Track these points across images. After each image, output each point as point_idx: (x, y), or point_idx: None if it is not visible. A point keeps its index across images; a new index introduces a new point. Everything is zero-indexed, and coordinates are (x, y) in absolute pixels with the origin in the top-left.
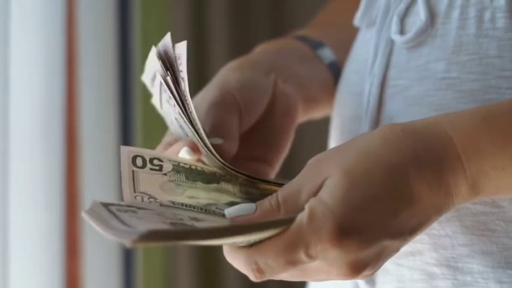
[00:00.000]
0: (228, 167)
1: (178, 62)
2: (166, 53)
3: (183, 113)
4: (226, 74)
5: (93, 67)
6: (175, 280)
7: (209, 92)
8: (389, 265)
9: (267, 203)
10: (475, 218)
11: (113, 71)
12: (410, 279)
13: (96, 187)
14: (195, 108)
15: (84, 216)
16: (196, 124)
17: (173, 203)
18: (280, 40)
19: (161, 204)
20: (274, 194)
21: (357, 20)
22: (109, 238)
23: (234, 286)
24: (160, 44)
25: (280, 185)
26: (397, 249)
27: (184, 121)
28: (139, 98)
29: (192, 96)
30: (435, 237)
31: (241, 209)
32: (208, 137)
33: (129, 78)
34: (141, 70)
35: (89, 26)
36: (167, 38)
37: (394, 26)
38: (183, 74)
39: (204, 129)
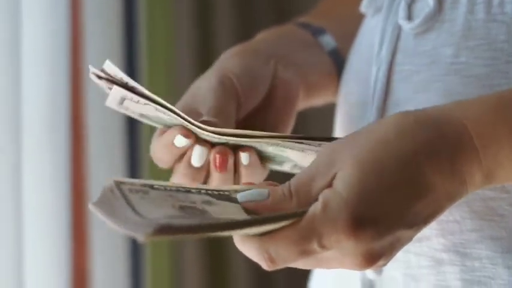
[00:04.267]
0: (223, 133)
1: (118, 77)
2: (110, 74)
3: (156, 103)
4: (226, 60)
5: (98, 58)
6: (183, 270)
7: (207, 77)
8: None
9: (279, 191)
10: (483, 204)
11: (118, 63)
12: (418, 266)
13: (102, 178)
14: (193, 93)
15: (92, 208)
16: (173, 109)
17: (186, 187)
18: (282, 27)
19: (176, 189)
20: (286, 183)
21: (364, 6)
22: (120, 232)
23: (242, 273)
24: (101, 71)
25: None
26: (410, 239)
27: (166, 113)
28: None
29: (191, 82)
30: (443, 222)
31: (254, 194)
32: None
33: (135, 70)
34: (147, 61)
35: (94, 17)
36: (106, 65)
37: (402, 11)
38: (131, 82)
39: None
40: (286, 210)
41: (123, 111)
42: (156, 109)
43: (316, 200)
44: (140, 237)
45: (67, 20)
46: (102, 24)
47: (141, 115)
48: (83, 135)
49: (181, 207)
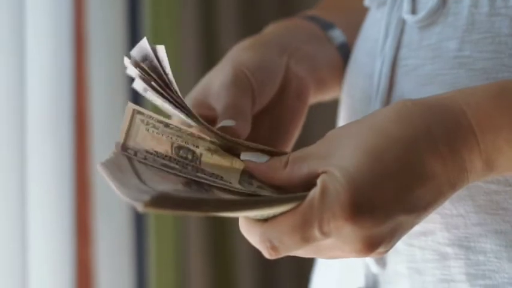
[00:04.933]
0: (220, 135)
1: (163, 64)
2: (145, 58)
3: (179, 109)
4: (239, 53)
5: (102, 55)
6: (187, 266)
7: (221, 71)
8: (400, 245)
9: (278, 159)
10: (487, 197)
11: (122, 62)
12: (422, 259)
13: None
14: (205, 87)
15: (99, 168)
16: (190, 113)
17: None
18: (290, 20)
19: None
20: (289, 153)
21: (367, 0)
22: (121, 197)
23: (246, 269)
24: (136, 51)
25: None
26: (411, 226)
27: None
28: None
29: (199, 79)
30: (447, 216)
31: (255, 156)
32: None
33: None
34: None
35: (98, 14)
36: (144, 43)
37: (406, 5)
38: (170, 76)
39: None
40: (278, 179)
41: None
42: (175, 107)
43: (309, 177)
44: (139, 207)
45: (71, 16)
46: (107, 20)
47: (163, 106)
48: (87, 131)
49: (179, 147)
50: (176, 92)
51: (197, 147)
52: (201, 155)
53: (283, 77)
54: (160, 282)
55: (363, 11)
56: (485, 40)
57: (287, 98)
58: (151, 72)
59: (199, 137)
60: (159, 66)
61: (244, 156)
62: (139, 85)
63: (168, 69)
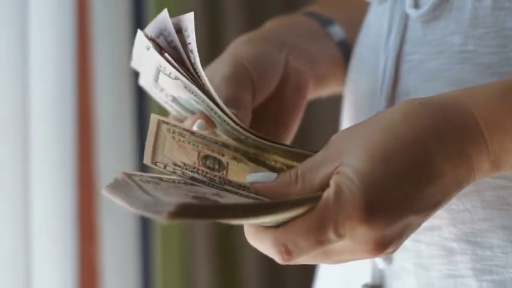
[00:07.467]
0: (248, 131)
1: (186, 33)
2: (163, 29)
3: (195, 83)
4: (239, 48)
5: (105, 52)
6: (193, 264)
7: (222, 64)
8: (406, 241)
9: (287, 174)
10: (494, 193)
11: (126, 60)
12: (429, 255)
13: (111, 170)
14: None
15: (105, 193)
16: (211, 92)
17: (195, 179)
18: (291, 16)
19: (184, 182)
20: (296, 167)
21: None
22: (136, 213)
23: (252, 269)
24: (154, 23)
25: (303, 154)
26: (418, 225)
27: (195, 92)
28: None
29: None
30: (454, 212)
31: (262, 176)
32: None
33: None
34: None
35: (102, 9)
36: (164, 15)
37: None
38: (191, 46)
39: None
40: (292, 195)
41: (157, 93)
42: (185, 86)
43: (323, 185)
44: (161, 218)
45: (75, 14)
46: (111, 17)
47: (174, 99)
48: (91, 128)
49: (205, 157)
50: (195, 65)
51: (222, 155)
52: (227, 163)
53: (283, 72)
54: (166, 281)
55: (364, 7)
56: (489, 34)
57: (286, 93)
58: (169, 43)
59: (224, 145)
60: (177, 39)
61: (250, 178)
62: (147, 77)
63: (189, 39)
